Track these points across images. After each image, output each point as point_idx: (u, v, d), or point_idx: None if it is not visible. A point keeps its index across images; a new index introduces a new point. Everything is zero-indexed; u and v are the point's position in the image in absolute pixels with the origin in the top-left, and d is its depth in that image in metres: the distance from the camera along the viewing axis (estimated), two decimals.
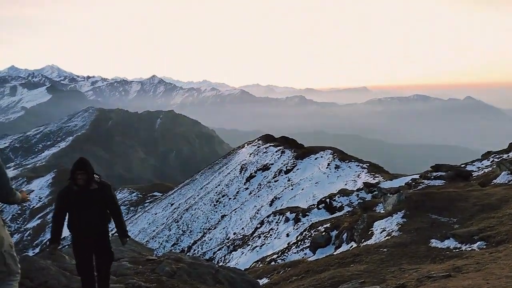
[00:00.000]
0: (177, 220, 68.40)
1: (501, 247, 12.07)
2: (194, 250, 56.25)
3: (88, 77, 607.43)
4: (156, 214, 77.14)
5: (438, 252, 14.00)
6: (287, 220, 41.15)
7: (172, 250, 55.20)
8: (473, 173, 33.21)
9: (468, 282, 8.40)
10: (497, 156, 37.58)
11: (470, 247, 13.56)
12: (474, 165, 38.55)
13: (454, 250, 13.84)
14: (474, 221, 16.59)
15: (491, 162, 36.83)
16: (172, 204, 78.31)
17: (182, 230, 64.75)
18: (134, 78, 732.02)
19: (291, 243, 34.35)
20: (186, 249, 58.09)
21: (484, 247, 13.06)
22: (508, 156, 35.25)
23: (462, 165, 38.65)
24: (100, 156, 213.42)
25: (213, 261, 44.92)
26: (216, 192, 70.92)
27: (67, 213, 6.22)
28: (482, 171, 33.97)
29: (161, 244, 63.55)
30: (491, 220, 15.82)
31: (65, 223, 6.07)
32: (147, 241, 65.22)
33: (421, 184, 30.85)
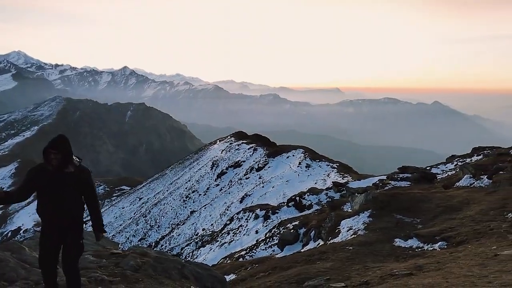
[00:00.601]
0: (145, 215, 67.50)
1: (460, 248, 12.51)
2: (162, 245, 55.70)
3: (57, 65, 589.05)
4: (123, 208, 75.87)
5: (402, 251, 14.38)
6: (256, 217, 41.32)
7: (138, 245, 54.46)
8: (437, 175, 34.24)
9: (428, 280, 8.66)
10: (461, 160, 38.90)
11: (432, 247, 13.99)
12: (439, 168, 39.78)
13: (416, 250, 14.25)
14: (436, 222, 17.12)
15: (455, 165, 38.09)
16: (140, 199, 77.20)
17: (150, 225, 63.97)
18: (104, 69, 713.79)
19: (259, 240, 34.52)
20: (153, 244, 57.44)
21: (445, 247, 13.51)
22: (471, 160, 36.54)
23: (428, 168, 39.79)
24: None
25: (181, 256, 44.60)
26: (186, 188, 70.39)
27: (38, 197, 5.62)
28: (446, 174, 35.09)
29: (128, 238, 62.58)
30: (453, 221, 16.37)
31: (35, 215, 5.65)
32: (113, 235, 64.06)
33: (388, 185, 31.55)
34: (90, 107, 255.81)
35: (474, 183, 24.94)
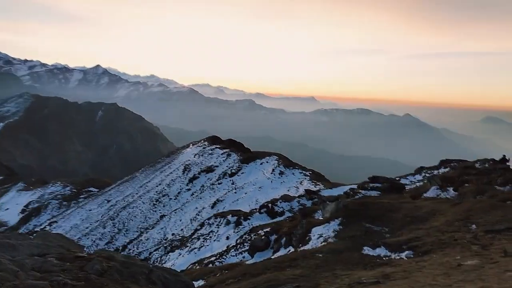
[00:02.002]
0: (113, 218, 66.10)
1: (426, 257, 12.79)
2: (129, 249, 54.64)
3: (26, 61, 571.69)
4: (90, 210, 74.06)
5: (370, 259, 14.59)
6: (228, 223, 41.12)
7: (105, 249, 53.23)
8: (406, 186, 35.03)
9: None
10: (429, 172, 39.96)
11: (399, 256, 14.25)
12: (407, 178, 40.70)
13: (384, 258, 14.48)
14: (404, 232, 17.47)
15: (423, 176, 39.08)
16: (108, 201, 75.57)
17: (118, 229, 62.67)
18: (76, 66, 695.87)
19: (230, 246, 34.34)
20: (120, 248, 56.28)
21: (412, 256, 13.78)
22: (439, 172, 37.58)
23: (397, 178, 40.66)
24: (33, 146, 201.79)
25: (149, 261, 43.86)
26: (156, 192, 69.41)
27: None
28: (414, 185, 35.94)
29: (94, 241, 61.08)
30: (419, 231, 16.74)
31: None
32: (79, 238, 62.40)
33: (358, 193, 32.04)
34: (60, 105, 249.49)
35: (440, 194, 25.63)
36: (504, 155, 30.70)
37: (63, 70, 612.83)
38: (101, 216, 69.34)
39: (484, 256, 10.97)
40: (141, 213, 64.46)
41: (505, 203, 18.58)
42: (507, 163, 29.60)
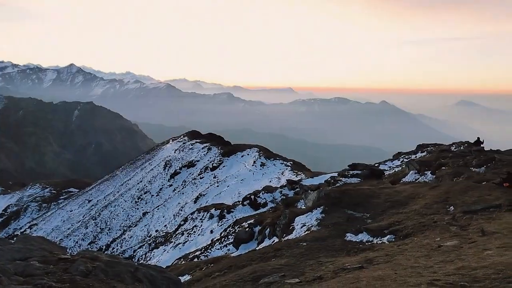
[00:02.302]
0: (94, 218, 65.26)
1: (407, 240, 13.10)
2: (113, 248, 54.13)
3: None
4: (71, 211, 72.92)
5: (353, 245, 14.85)
6: (211, 216, 41.13)
7: (88, 249, 52.59)
8: (385, 171, 35.66)
9: (378, 272, 9.01)
10: (407, 157, 40.75)
11: (381, 240, 14.56)
12: (386, 164, 41.44)
13: (366, 243, 14.76)
14: (385, 216, 17.82)
15: (401, 162, 39.84)
16: (89, 201, 74.51)
17: (100, 228, 61.94)
18: (49, 66, 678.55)
19: (214, 239, 34.39)
20: (104, 247, 55.69)
21: (393, 240, 14.10)
22: (416, 156, 38.35)
23: (376, 164, 41.35)
24: (8, 148, 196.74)
25: (133, 259, 43.59)
26: (137, 189, 68.76)
27: None
28: (393, 170, 36.62)
29: (77, 242, 60.27)
30: (400, 215, 17.11)
31: None
32: (60, 239, 61.47)
33: (339, 181, 32.45)
34: (34, 106, 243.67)
35: (419, 178, 26.21)
36: (478, 138, 31.51)
37: (35, 70, 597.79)
38: (83, 217, 68.38)
39: (463, 236, 11.31)
40: (123, 211, 63.83)
41: (481, 184, 19.12)
42: (482, 145, 30.41)
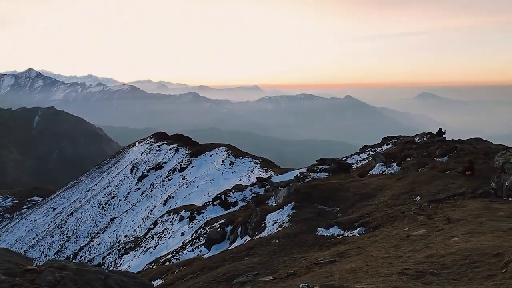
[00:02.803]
0: (60, 226, 63.25)
1: (377, 232, 13.38)
2: (81, 256, 52.67)
3: None
4: (35, 220, 70.41)
5: (324, 239, 15.04)
6: (181, 218, 40.67)
7: (55, 258, 50.98)
8: (352, 165, 36.34)
9: (350, 265, 9.14)
10: (373, 150, 41.69)
11: (351, 233, 14.81)
12: (353, 158, 42.26)
13: (338, 237, 14.98)
14: (354, 209, 18.16)
15: (367, 155, 40.73)
16: (54, 209, 72.16)
17: (67, 236, 60.10)
18: (6, 71, 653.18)
19: (186, 241, 34.03)
20: (71, 256, 54.09)
21: (363, 232, 14.37)
22: (382, 149, 39.28)
23: (343, 158, 42.08)
24: None
25: (103, 266, 42.55)
26: (104, 194, 67.13)
27: None
28: (360, 163, 37.39)
29: (43, 252, 58.26)
30: (369, 207, 17.47)
31: None
32: (25, 250, 59.24)
33: (308, 177, 32.81)
34: None
35: (385, 170, 26.84)
36: (440, 128, 32.60)
37: None
38: (48, 225, 66.15)
39: (430, 225, 11.65)
40: (90, 217, 62.18)
41: (445, 173, 19.79)
42: (444, 136, 31.47)
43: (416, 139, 35.26)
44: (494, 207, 12.07)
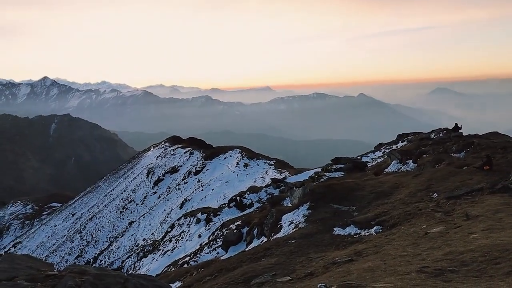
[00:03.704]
0: (80, 231, 64.16)
1: (394, 230, 13.26)
2: (101, 260, 53.31)
3: None
4: (55, 226, 71.56)
5: (341, 239, 14.96)
6: (198, 221, 40.88)
7: (75, 263, 51.71)
8: (368, 163, 36.05)
9: (368, 264, 9.09)
10: (388, 147, 41.27)
11: (368, 232, 14.70)
12: (368, 156, 41.91)
13: (354, 236, 14.89)
14: (370, 208, 18.02)
15: (382, 153, 40.33)
16: (73, 215, 73.24)
17: (86, 241, 60.93)
18: (22, 80, 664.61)
19: (203, 243, 34.19)
20: (91, 260, 54.80)
21: (380, 231, 14.25)
22: (397, 146, 38.89)
23: (358, 157, 41.78)
24: None
25: (122, 270, 43.01)
26: (122, 199, 67.88)
27: None
28: (376, 162, 37.03)
29: (63, 257, 59.15)
30: (385, 205, 17.32)
31: None
32: (46, 256, 60.23)
33: (323, 176, 32.66)
34: (9, 122, 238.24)
35: (401, 167, 26.57)
36: (456, 123, 32.14)
37: (8, 86, 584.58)
38: (67, 231, 67.18)
39: (448, 222, 11.50)
40: (108, 222, 62.93)
41: (462, 169, 19.50)
42: (460, 131, 31.04)
43: (432, 135, 34.84)
44: None
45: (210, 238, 33.94)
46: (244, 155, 63.01)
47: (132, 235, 55.68)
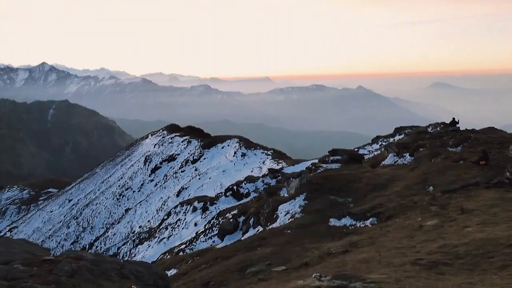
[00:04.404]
0: (76, 217, 64.32)
1: (390, 222, 13.35)
2: (97, 247, 53.54)
3: None
4: (52, 211, 71.66)
5: (337, 230, 15.06)
6: (195, 209, 41.02)
7: (71, 249, 51.92)
8: (365, 156, 36.14)
9: (363, 255, 9.17)
10: (385, 140, 41.35)
11: (364, 224, 14.80)
12: (365, 148, 41.98)
13: (350, 227, 14.99)
14: (366, 200, 18.11)
15: (379, 145, 40.39)
16: (70, 200, 73.32)
17: (83, 227, 61.12)
18: (20, 65, 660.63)
19: (199, 232, 34.35)
20: (87, 246, 55.04)
21: (376, 223, 14.35)
22: (394, 139, 38.95)
23: (355, 149, 41.83)
24: None
25: (118, 256, 43.24)
26: (118, 186, 67.95)
27: None
28: (373, 154, 37.13)
29: (59, 243, 59.36)
30: (381, 198, 17.40)
31: None
32: (42, 241, 60.42)
33: (320, 167, 32.72)
34: (7, 107, 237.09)
35: (398, 160, 26.64)
36: (454, 118, 32.16)
37: (6, 70, 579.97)
38: (64, 216, 67.30)
39: (443, 215, 11.58)
40: (105, 209, 63.07)
41: (458, 163, 19.57)
42: (457, 125, 31.06)
43: (429, 129, 34.88)
44: (509, 197, 11.95)
45: (206, 227, 34.09)
46: (242, 144, 63.02)
47: (129, 222, 55.85)
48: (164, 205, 54.21)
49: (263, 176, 42.81)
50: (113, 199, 64.66)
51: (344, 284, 6.52)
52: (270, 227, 19.69)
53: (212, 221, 34.61)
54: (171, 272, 19.92)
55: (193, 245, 31.02)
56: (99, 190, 71.29)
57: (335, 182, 21.59)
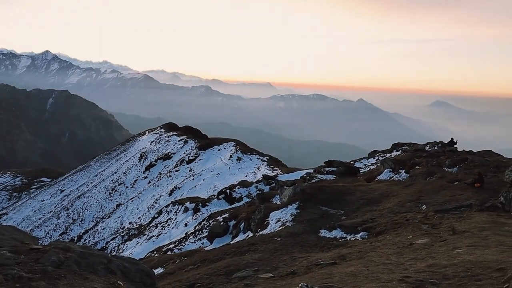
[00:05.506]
0: (67, 208, 64.00)
1: (380, 237, 13.34)
2: (85, 239, 53.28)
3: None
4: (43, 201, 71.32)
5: (326, 241, 15.04)
6: (186, 210, 40.92)
7: (60, 239, 51.61)
8: (360, 169, 36.19)
9: (351, 268, 9.15)
10: (382, 155, 41.43)
11: (354, 237, 14.78)
12: (361, 162, 42.04)
13: (340, 240, 14.97)
14: (358, 213, 18.11)
15: (376, 160, 40.48)
16: (62, 191, 73.01)
17: (73, 219, 60.81)
18: (23, 52, 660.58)
19: (189, 232, 34.24)
20: (76, 238, 54.77)
21: (366, 237, 14.34)
22: (391, 155, 39.04)
23: (351, 162, 41.90)
24: None
25: (106, 251, 43.02)
26: (112, 180, 67.74)
27: None
28: (368, 168, 37.18)
29: (48, 233, 59.02)
30: (373, 212, 17.41)
31: None
32: (31, 229, 60.06)
33: (314, 178, 32.75)
34: (7, 93, 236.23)
35: (393, 176, 26.69)
36: (452, 138, 32.30)
37: (9, 56, 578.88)
38: (55, 207, 66.98)
39: (434, 234, 11.59)
40: (96, 202, 62.81)
41: (453, 183, 19.63)
42: (455, 146, 31.19)
43: (427, 148, 34.99)
44: (501, 221, 11.97)
45: (196, 228, 33.99)
46: (238, 148, 63.03)
47: (119, 217, 55.63)
48: (156, 203, 54.06)
49: (257, 182, 42.80)
50: (105, 193, 64.42)
51: None
52: (260, 233, 19.64)
53: (202, 222, 34.52)
54: (158, 270, 19.82)
55: (182, 245, 30.91)
56: (92, 183, 71.05)
57: (329, 193, 21.58)
